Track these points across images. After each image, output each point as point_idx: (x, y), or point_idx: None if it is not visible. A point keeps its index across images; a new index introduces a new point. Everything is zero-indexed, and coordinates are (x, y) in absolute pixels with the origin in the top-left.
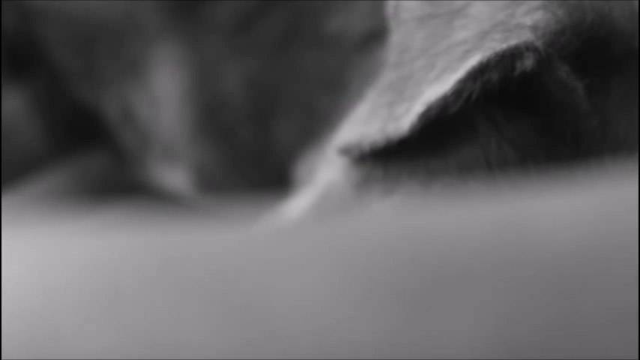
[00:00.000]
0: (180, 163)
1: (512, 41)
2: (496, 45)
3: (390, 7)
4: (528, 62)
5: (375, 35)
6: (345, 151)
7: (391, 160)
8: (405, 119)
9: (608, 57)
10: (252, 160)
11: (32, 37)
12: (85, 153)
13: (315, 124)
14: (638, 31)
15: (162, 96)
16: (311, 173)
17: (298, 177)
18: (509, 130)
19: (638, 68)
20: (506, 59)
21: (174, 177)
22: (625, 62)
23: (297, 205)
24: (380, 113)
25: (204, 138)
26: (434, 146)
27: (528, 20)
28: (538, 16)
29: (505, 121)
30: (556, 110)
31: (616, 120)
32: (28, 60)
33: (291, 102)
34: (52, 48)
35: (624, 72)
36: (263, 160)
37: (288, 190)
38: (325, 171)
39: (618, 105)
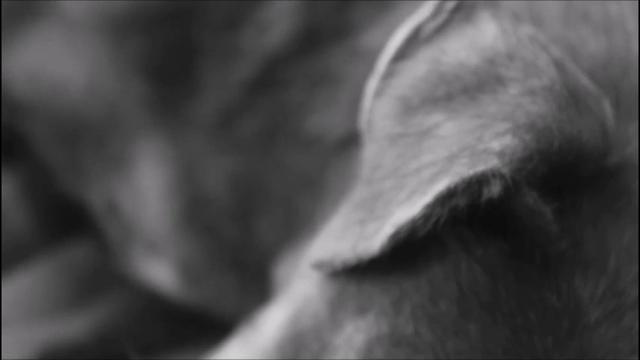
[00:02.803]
0: (164, 257)
1: (479, 167)
2: (463, 170)
3: (363, 121)
4: (495, 189)
5: (353, 138)
6: (318, 266)
7: (365, 276)
8: (375, 239)
9: (577, 178)
10: (235, 255)
11: (18, 130)
12: (71, 244)
13: (295, 223)
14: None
15: (145, 191)
16: (289, 276)
17: (277, 277)
18: (479, 251)
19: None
20: (473, 185)
21: (159, 270)
22: (595, 181)
23: (273, 317)
24: (352, 231)
25: (188, 232)
26: (405, 264)
27: (496, 145)
28: (506, 142)
29: (475, 242)
30: (524, 234)
31: (587, 240)
32: (16, 149)
33: (272, 199)
34: (37, 142)
35: (595, 191)
36: (245, 256)
37: (267, 289)
38: (301, 282)
39: (589, 224)
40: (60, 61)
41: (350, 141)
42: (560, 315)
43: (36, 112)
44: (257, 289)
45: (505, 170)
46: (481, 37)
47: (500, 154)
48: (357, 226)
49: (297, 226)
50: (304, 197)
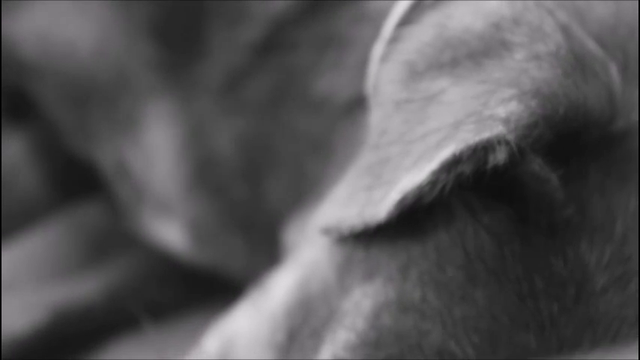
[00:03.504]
0: (174, 217)
1: (485, 134)
2: (469, 136)
3: (369, 85)
4: (500, 156)
5: (360, 101)
6: (326, 231)
7: (372, 241)
8: (382, 205)
9: (584, 144)
10: (245, 216)
11: (28, 91)
12: (82, 204)
13: (304, 186)
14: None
15: (155, 152)
16: (297, 239)
17: (285, 240)
18: (486, 218)
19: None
20: (479, 152)
21: (169, 230)
22: (602, 147)
23: (282, 282)
24: (358, 197)
25: (198, 193)
26: (412, 230)
27: (502, 111)
28: (511, 108)
29: (481, 208)
30: (530, 200)
31: (593, 206)
32: (25, 110)
33: (281, 161)
34: (46, 103)
35: (602, 157)
36: (255, 217)
37: (276, 251)
38: (309, 246)
39: (595, 190)
40: (68, 24)
41: (357, 104)
42: (566, 281)
43: (45, 74)
44: (266, 250)
45: (510, 137)
46: (487, 2)
47: (506, 120)
48: (364, 191)
49: (305, 188)
50: (312, 160)
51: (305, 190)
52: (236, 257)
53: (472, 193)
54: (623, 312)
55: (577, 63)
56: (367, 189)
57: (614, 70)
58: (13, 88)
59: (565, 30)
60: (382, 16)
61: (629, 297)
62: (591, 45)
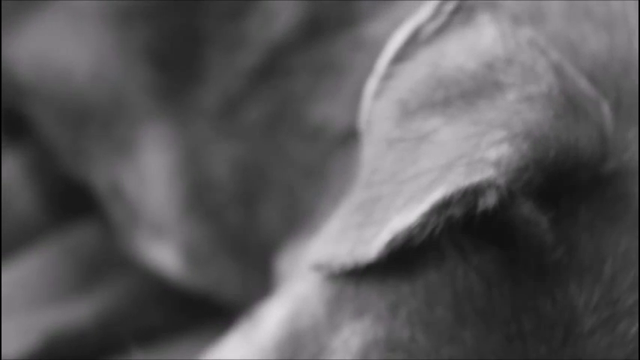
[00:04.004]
0: (168, 240)
1: (475, 177)
2: (459, 179)
3: (362, 121)
4: (490, 200)
5: (355, 132)
6: (317, 268)
7: (362, 279)
8: (372, 244)
9: (574, 184)
10: (239, 241)
11: (24, 112)
12: (76, 226)
13: (298, 213)
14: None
15: (150, 175)
16: (290, 268)
17: (279, 268)
18: (475, 258)
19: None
20: (469, 196)
21: (162, 253)
22: (592, 187)
23: (273, 315)
24: (350, 234)
25: (192, 217)
26: (402, 269)
27: (493, 154)
28: (502, 151)
29: (471, 249)
30: (520, 242)
31: (582, 246)
32: (22, 130)
33: (275, 188)
34: (42, 125)
35: (592, 197)
36: (248, 243)
37: (269, 277)
38: (301, 280)
39: (585, 230)
40: (65, 47)
41: (352, 134)
42: (554, 323)
43: (41, 97)
44: (259, 276)
45: (501, 181)
46: (480, 41)
47: (496, 163)
48: (355, 229)
49: (299, 216)
50: (306, 187)
51: (298, 218)
52: (229, 282)
53: (462, 233)
54: (612, 353)
55: (569, 104)
56: (358, 227)
57: (606, 109)
58: (9, 109)
59: (557, 70)
60: (379, 43)
61: (617, 338)
62: (583, 84)
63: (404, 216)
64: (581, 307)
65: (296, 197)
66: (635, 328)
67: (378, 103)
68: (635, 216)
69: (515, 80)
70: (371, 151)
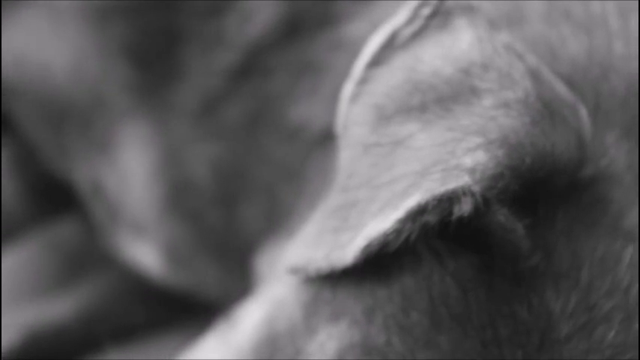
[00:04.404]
0: (148, 239)
1: (451, 184)
2: (434, 186)
3: (339, 124)
4: (465, 207)
5: (333, 134)
6: (293, 271)
7: (339, 282)
8: (348, 250)
9: (551, 189)
10: (218, 241)
11: (5, 109)
12: (58, 222)
13: (277, 214)
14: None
15: (130, 174)
16: (268, 269)
17: (258, 269)
18: (452, 264)
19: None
20: (444, 203)
21: (143, 252)
22: (570, 193)
23: (250, 317)
24: (326, 238)
25: (172, 217)
26: (379, 273)
27: (468, 161)
28: (477, 157)
29: (448, 254)
30: (496, 249)
31: (559, 252)
32: (4, 125)
33: (255, 188)
34: (23, 121)
35: (569, 203)
36: (228, 243)
37: (249, 277)
38: (278, 282)
39: (562, 236)
40: (45, 45)
41: (331, 135)
42: (530, 329)
43: (22, 94)
44: (239, 276)
45: (476, 188)
46: (456, 46)
47: (472, 170)
48: (331, 234)
49: (278, 216)
50: (286, 188)
51: (278, 219)
52: (209, 281)
53: (439, 239)
54: (589, 359)
55: (545, 110)
56: (334, 231)
57: (583, 114)
58: None
59: (534, 75)
60: (358, 43)
61: (594, 344)
62: (561, 89)
63: (379, 222)
64: (558, 313)
65: (275, 198)
66: (612, 334)
67: (354, 108)
68: (611, 221)
69: (492, 86)
70: (347, 156)
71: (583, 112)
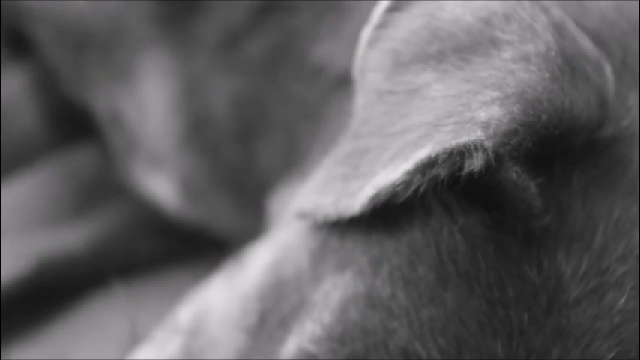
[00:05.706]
0: (164, 171)
1: (463, 138)
2: (446, 139)
3: (356, 69)
4: (477, 162)
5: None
6: (301, 216)
7: (347, 231)
8: (356, 198)
9: (569, 148)
10: (234, 177)
11: (26, 32)
12: (76, 149)
13: (294, 153)
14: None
15: (149, 104)
16: (281, 211)
17: (271, 209)
18: (462, 219)
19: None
20: (455, 157)
21: (159, 184)
22: (588, 152)
23: (258, 260)
24: (335, 185)
25: (190, 150)
26: (387, 224)
27: (482, 115)
28: (492, 112)
29: (458, 210)
30: (507, 207)
31: (573, 213)
32: (26, 47)
33: (273, 125)
34: (44, 46)
35: (586, 162)
36: (244, 179)
37: (262, 215)
38: (287, 227)
39: (577, 197)
40: None
41: (349, 78)
42: (538, 291)
43: (42, 19)
44: (253, 213)
45: (488, 143)
46: None
47: (485, 125)
48: (341, 181)
49: (294, 157)
50: (304, 128)
51: (294, 159)
52: (223, 217)
53: (449, 193)
54: (597, 324)
55: (567, 65)
56: (344, 179)
57: (608, 71)
58: (12, 27)
59: (558, 29)
60: None
61: (604, 309)
62: (586, 44)
63: (389, 172)
64: (568, 276)
65: (293, 137)
66: (622, 300)
67: (371, 52)
68: (630, 183)
69: (513, 38)
70: (361, 102)
71: (607, 69)
